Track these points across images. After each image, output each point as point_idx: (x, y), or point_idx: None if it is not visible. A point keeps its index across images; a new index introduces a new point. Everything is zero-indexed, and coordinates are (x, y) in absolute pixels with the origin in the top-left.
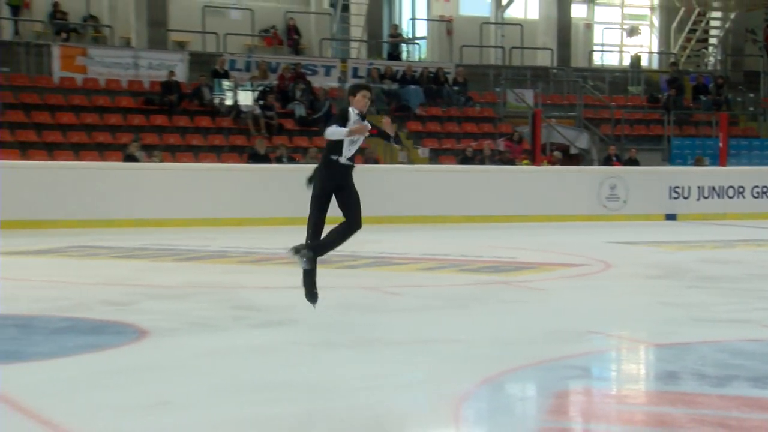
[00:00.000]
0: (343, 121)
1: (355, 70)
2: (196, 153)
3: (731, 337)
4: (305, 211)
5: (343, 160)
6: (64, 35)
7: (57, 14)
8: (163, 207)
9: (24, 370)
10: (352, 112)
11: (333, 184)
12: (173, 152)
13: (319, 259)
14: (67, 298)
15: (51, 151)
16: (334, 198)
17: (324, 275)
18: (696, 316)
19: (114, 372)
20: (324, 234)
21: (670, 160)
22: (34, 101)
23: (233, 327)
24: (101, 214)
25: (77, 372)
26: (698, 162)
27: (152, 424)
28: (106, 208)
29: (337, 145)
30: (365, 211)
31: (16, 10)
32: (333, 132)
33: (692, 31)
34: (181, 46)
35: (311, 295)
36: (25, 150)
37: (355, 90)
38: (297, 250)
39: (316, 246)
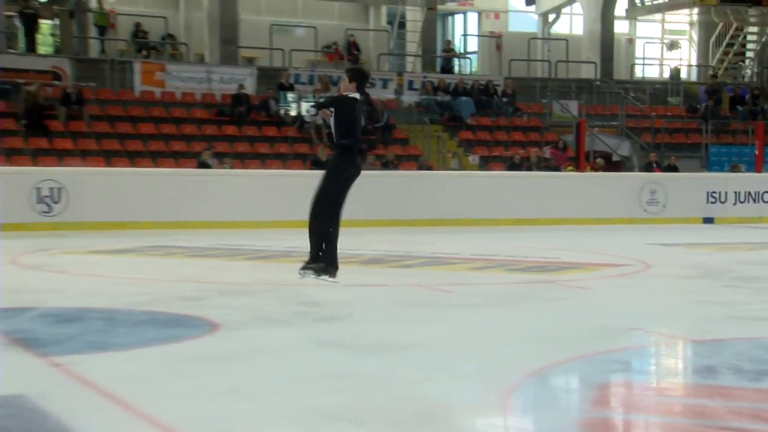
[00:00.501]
0: None
1: (411, 82)
2: (263, 160)
3: (767, 334)
4: (362, 214)
5: None
6: (144, 53)
7: (139, 34)
8: (233, 210)
9: (108, 359)
10: None
11: None
12: (242, 159)
13: (376, 259)
14: (147, 294)
15: (132, 158)
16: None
17: (381, 274)
18: (732, 314)
19: (189, 361)
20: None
21: (707, 166)
22: (118, 113)
23: (297, 321)
24: (177, 217)
25: (156, 361)
26: (734, 168)
27: (223, 410)
28: (181, 211)
29: None
30: (421, 215)
31: (102, 30)
32: None
33: (730, 45)
34: (250, 61)
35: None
36: (109, 158)
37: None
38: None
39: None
